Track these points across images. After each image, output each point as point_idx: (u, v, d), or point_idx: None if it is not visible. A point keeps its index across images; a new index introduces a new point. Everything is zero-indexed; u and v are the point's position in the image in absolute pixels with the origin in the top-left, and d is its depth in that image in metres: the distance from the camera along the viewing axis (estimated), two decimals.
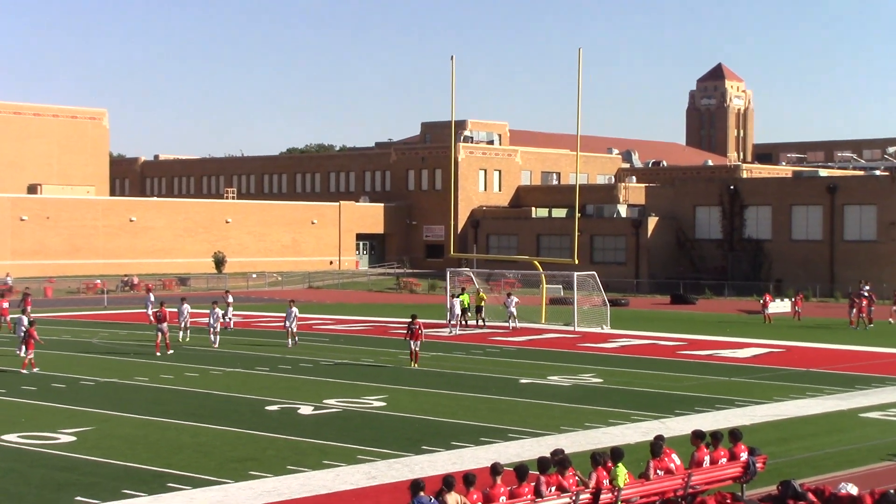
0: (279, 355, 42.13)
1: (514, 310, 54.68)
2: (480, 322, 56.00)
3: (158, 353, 41.93)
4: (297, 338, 45.39)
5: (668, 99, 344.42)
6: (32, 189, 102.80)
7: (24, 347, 37.60)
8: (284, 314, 46.18)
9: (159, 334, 42.72)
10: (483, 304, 56.59)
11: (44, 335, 49.51)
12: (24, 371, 36.50)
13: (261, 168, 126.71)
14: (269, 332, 52.21)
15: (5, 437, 25.20)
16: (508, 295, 56.50)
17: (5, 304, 53.72)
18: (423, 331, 40.54)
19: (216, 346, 44.74)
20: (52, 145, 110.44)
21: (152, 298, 58.31)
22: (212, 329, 45.44)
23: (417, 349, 39.26)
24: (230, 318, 51.08)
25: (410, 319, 39.52)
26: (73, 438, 25.16)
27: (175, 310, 47.00)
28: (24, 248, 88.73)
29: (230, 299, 53.57)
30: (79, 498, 19.70)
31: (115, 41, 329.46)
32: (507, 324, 54.79)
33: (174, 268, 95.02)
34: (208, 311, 46.59)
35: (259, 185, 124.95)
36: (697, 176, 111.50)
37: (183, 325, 46.95)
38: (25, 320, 39.63)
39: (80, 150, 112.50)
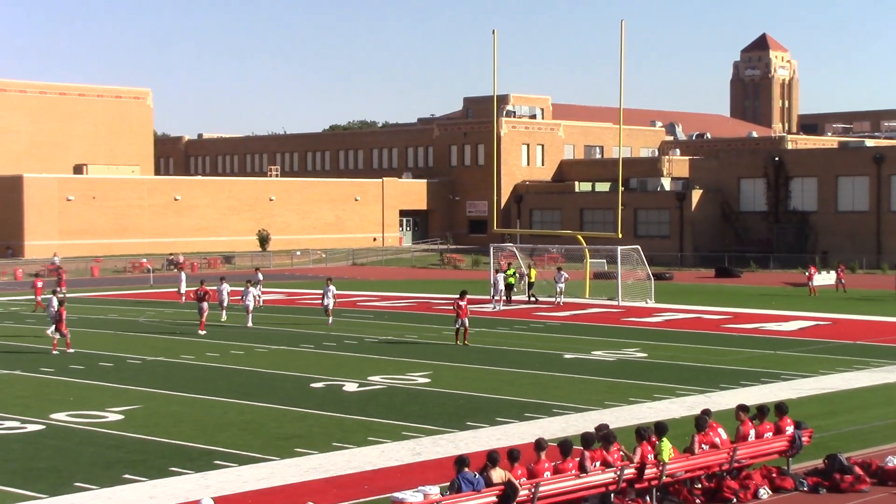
0: (323, 332, 42.31)
1: (562, 285, 54.37)
2: (532, 298, 55.65)
3: (203, 332, 42.14)
4: (332, 317, 44.97)
5: (712, 70, 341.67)
6: (78, 169, 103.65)
7: (53, 327, 37.70)
8: (321, 292, 46.20)
9: (201, 314, 42.95)
10: (532, 279, 56.12)
11: (90, 314, 50.17)
12: (56, 352, 36.22)
13: (304, 146, 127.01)
14: (313, 309, 52.41)
15: (55, 415, 25.49)
16: (559, 269, 56.12)
17: (39, 284, 53.89)
18: (468, 307, 39.59)
19: (250, 325, 44.66)
20: (97, 125, 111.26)
21: (183, 277, 58.78)
22: (247, 308, 45.47)
23: (466, 326, 38.66)
24: (259, 296, 50.38)
25: (459, 296, 39.20)
26: (121, 417, 25.41)
27: (215, 288, 47.20)
28: (71, 227, 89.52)
29: (260, 277, 53.48)
30: (127, 475, 19.91)
31: (159, 20, 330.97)
32: (552, 299, 54.65)
33: (219, 246, 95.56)
34: (241, 290, 46.78)
35: (302, 163, 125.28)
36: (742, 148, 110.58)
37: (223, 304, 47.07)
38: (55, 301, 39.45)
39: (124, 129, 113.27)
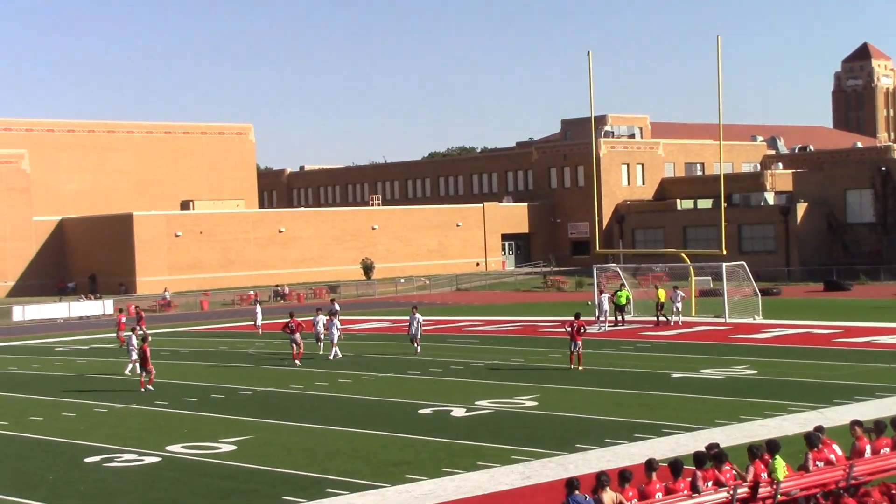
0: (429, 358, 42.44)
1: (679, 305, 53.63)
2: (663, 319, 54.06)
3: (298, 363, 42.10)
4: (419, 346, 44.20)
5: (813, 82, 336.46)
6: (185, 205, 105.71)
7: (135, 366, 38.56)
8: (408, 319, 45.23)
9: (294, 345, 42.72)
10: (661, 300, 54.30)
11: (201, 347, 51.03)
12: (143, 390, 36.16)
13: (404, 173, 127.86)
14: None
15: (170, 447, 25.96)
16: (675, 288, 55.12)
17: (122, 319, 54.04)
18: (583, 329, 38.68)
19: (321, 352, 44.10)
20: (201, 162, 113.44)
21: (258, 310, 58.97)
22: (317, 337, 44.77)
23: (579, 351, 37.83)
24: (338, 326, 46.21)
25: (574, 318, 38.58)
26: (234, 447, 25.78)
27: (310, 319, 46.73)
28: (180, 262, 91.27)
29: (336, 307, 52.26)
30: None
31: (259, 57, 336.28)
32: (663, 318, 53.88)
33: (323, 276, 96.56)
34: (316, 319, 45.58)
35: (403, 191, 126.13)
36: (847, 159, 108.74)
37: (319, 336, 45.52)
38: (135, 339, 39.84)
39: (228, 164, 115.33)
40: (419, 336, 44.50)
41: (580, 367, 37.39)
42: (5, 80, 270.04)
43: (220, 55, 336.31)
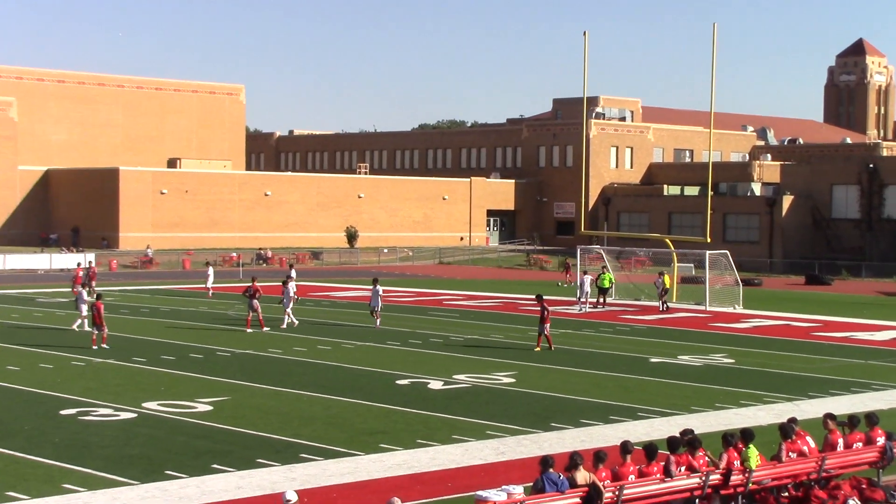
0: (409, 330, 42.49)
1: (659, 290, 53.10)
2: (601, 301, 54.30)
3: (249, 330, 40.98)
4: (379, 318, 42.96)
5: (806, 75, 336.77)
6: (172, 163, 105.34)
7: (83, 321, 38.56)
8: (370, 294, 43.85)
9: (250, 311, 41.62)
10: (668, 286, 53.70)
11: (182, 306, 50.97)
12: (94, 347, 35.48)
13: (393, 144, 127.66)
14: (399, 306, 52.70)
15: (146, 404, 25.98)
16: (660, 274, 54.29)
17: (80, 273, 52.68)
18: (549, 310, 37.95)
19: (284, 326, 42.45)
20: (191, 120, 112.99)
21: (211, 272, 57.97)
22: (285, 308, 43.11)
23: (548, 332, 37.27)
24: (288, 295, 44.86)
25: (536, 300, 38.03)
26: (210, 407, 25.81)
27: (279, 284, 45.24)
28: (164, 221, 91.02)
29: (293, 274, 50.32)
30: (216, 465, 20.24)
31: (253, 17, 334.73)
32: (636, 302, 54.10)
33: (307, 242, 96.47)
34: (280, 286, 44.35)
35: (391, 161, 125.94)
36: (835, 154, 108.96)
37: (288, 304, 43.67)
38: (85, 294, 39.46)
39: (217, 125, 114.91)
40: (379, 308, 43.07)
41: (551, 348, 36.83)
42: None
43: (216, 14, 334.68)
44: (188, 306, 51.32)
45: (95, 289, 51.64)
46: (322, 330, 42.19)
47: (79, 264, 56.94)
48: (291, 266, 57.54)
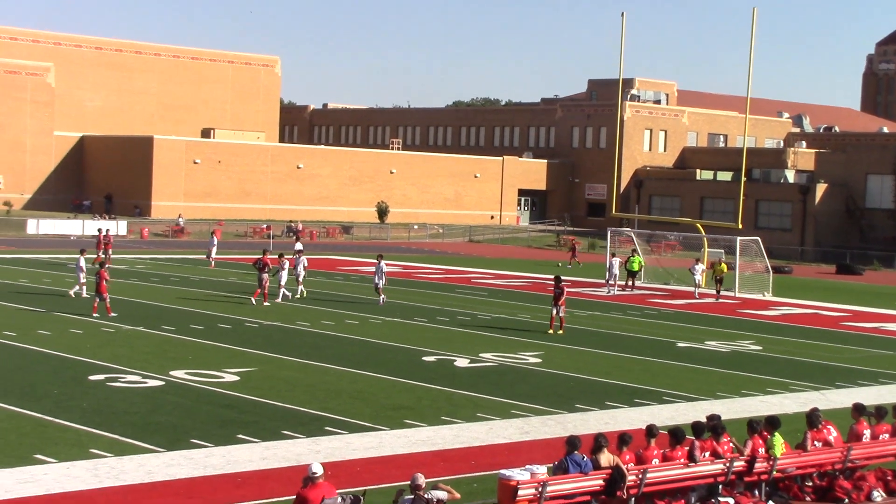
0: (437, 307, 42.57)
1: (699, 277, 52.35)
2: (630, 284, 54.27)
3: (254, 302, 40.41)
4: (383, 296, 42.44)
5: (844, 62, 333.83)
6: (206, 133, 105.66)
7: (81, 288, 39.00)
8: (374, 270, 43.31)
9: (258, 283, 40.93)
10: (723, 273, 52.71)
11: (212, 276, 51.21)
12: (95, 315, 35.23)
13: (426, 120, 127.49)
14: (428, 283, 52.80)
15: (174, 372, 26.16)
16: (697, 261, 53.78)
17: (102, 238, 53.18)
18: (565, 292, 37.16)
19: (284, 300, 41.82)
20: (226, 91, 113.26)
21: (215, 242, 57.69)
22: (298, 279, 43.19)
23: (563, 314, 36.75)
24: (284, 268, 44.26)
25: (555, 282, 37.42)
26: (237, 378, 25.96)
27: (291, 257, 44.94)
28: (197, 190, 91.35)
29: (298, 246, 50.70)
30: (241, 435, 20.36)
31: None
32: (666, 286, 53.89)
33: (338, 216, 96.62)
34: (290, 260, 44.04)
35: (424, 137, 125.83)
36: (871, 143, 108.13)
37: (298, 277, 43.87)
38: (83, 262, 39.66)
39: (252, 96, 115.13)
40: (382, 285, 42.59)
41: (560, 332, 36.25)
42: None
43: None
44: (218, 276, 51.54)
45: (111, 256, 52.04)
46: (349, 304, 42.29)
47: (99, 230, 57.20)
48: (297, 238, 57.53)
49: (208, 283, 48.20)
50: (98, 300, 35.95)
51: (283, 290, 42.32)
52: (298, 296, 43.19)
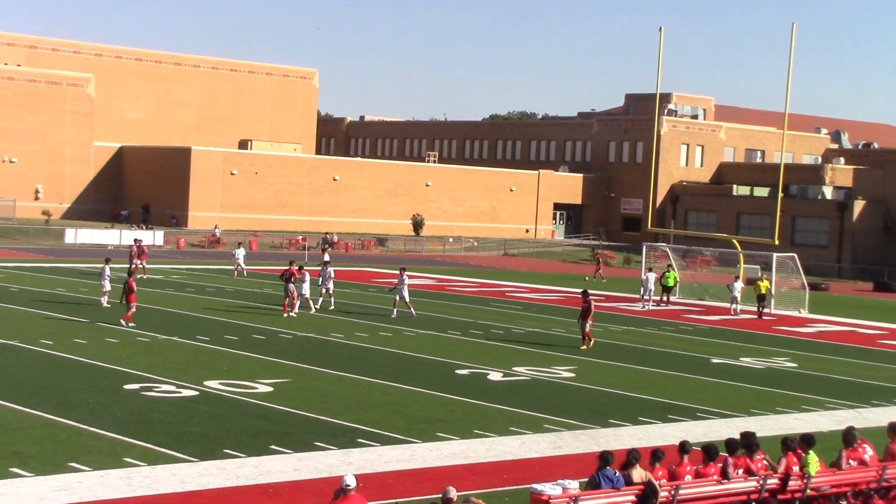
0: (471, 320, 42.57)
1: (738, 294, 51.52)
2: (665, 299, 54.11)
3: (286, 315, 40.57)
4: (408, 308, 42.22)
5: (884, 78, 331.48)
6: (243, 144, 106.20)
7: (106, 297, 39.48)
8: (396, 282, 42.95)
9: (286, 295, 41.22)
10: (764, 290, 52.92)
11: (247, 287, 51.41)
12: (123, 323, 35.37)
13: (462, 133, 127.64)
14: (462, 296, 52.81)
15: (208, 383, 26.29)
16: (736, 278, 53.27)
17: (135, 250, 53.71)
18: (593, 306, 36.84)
19: (294, 313, 41.37)
20: (263, 102, 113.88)
21: (239, 254, 56.50)
22: (323, 290, 43.34)
23: (588, 329, 36.14)
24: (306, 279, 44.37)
25: (582, 297, 36.80)
26: (270, 389, 26.05)
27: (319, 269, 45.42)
28: (233, 201, 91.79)
29: (326, 258, 51.59)
30: (274, 446, 20.43)
31: (331, 4, 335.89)
32: (701, 302, 53.62)
33: (373, 228, 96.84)
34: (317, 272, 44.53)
35: (460, 150, 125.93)
36: None
37: (323, 290, 43.89)
38: (108, 270, 40.30)
39: (290, 108, 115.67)
40: (408, 299, 42.35)
41: (584, 346, 35.81)
42: (78, 3, 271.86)
43: None
44: (253, 287, 51.74)
45: (145, 266, 52.48)
46: (383, 317, 42.35)
47: (135, 240, 57.85)
48: (324, 250, 57.85)
49: (243, 294, 48.41)
50: (127, 308, 36.13)
51: (310, 301, 42.22)
52: (319, 307, 43.12)
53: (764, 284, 51.56)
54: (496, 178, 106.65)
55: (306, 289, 42.12)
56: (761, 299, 51.10)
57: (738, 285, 52.26)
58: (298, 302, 41.87)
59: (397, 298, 42.59)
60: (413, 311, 42.46)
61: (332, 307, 43.56)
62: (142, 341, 32.80)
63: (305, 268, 43.51)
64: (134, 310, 36.22)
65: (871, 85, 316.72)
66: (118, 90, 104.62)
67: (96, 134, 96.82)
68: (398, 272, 43.52)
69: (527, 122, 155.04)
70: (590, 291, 38.60)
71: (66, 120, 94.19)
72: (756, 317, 50.46)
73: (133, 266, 49.72)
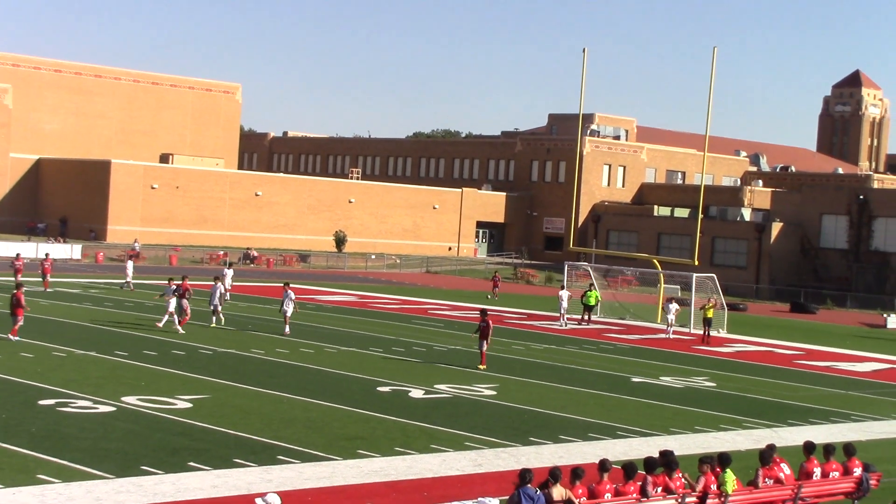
0: (392, 337, 42.47)
1: (672, 317, 51.38)
2: (586, 318, 54.43)
3: (182, 330, 39.58)
4: (288, 327, 40.91)
5: (801, 103, 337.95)
6: (164, 158, 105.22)
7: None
8: (282, 299, 41.61)
9: (179, 311, 40.32)
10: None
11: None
12: (11, 337, 34.43)
13: (386, 150, 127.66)
14: (384, 313, 52.70)
15: (126, 398, 25.89)
16: (670, 300, 52.87)
17: (47, 264, 53.15)
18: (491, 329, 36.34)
19: (212, 325, 42.05)
20: (185, 117, 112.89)
21: (129, 268, 56.68)
22: (215, 307, 42.81)
23: (485, 350, 35.58)
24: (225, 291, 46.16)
25: (480, 316, 36.25)
26: (190, 405, 25.74)
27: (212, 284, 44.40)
28: (154, 215, 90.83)
29: (226, 271, 52.45)
30: (192, 463, 20.17)
31: (252, 17, 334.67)
32: (622, 321, 54.06)
33: (295, 244, 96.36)
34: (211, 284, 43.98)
35: (384, 168, 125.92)
36: (826, 183, 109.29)
37: (211, 306, 43.23)
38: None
39: (212, 122, 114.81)
40: (289, 313, 41.08)
41: (482, 366, 35.24)
42: None
43: (215, 12, 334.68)
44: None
45: (48, 279, 51.74)
46: (305, 333, 42.10)
47: (17, 255, 57.15)
48: (230, 264, 58.16)
49: (161, 309, 47.73)
50: (14, 322, 35.02)
51: (167, 316, 40.57)
52: (214, 324, 42.54)
53: (710, 309, 50.61)
54: (419, 195, 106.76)
55: (171, 303, 40.70)
56: (708, 323, 50.34)
57: (674, 307, 51.89)
58: (188, 318, 41.04)
59: (287, 314, 41.20)
60: (287, 329, 41.00)
61: (213, 325, 42.60)
62: (57, 356, 32.26)
63: (175, 281, 42.23)
64: (21, 323, 35.32)
65: (789, 110, 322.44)
66: (36, 101, 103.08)
67: (13, 145, 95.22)
68: (284, 287, 42.20)
69: (450, 140, 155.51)
70: (488, 310, 38.38)
71: None
72: (701, 341, 49.58)
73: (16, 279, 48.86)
